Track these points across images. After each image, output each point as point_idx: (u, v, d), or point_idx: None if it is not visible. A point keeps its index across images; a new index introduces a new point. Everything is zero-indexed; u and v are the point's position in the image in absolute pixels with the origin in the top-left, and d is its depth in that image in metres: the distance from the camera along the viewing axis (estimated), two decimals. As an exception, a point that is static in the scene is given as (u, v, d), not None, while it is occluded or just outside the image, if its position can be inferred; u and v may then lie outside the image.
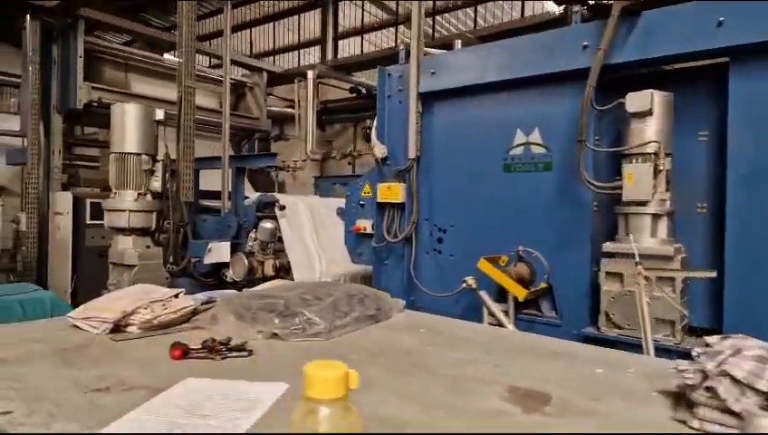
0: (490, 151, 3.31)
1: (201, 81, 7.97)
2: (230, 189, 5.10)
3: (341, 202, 5.99)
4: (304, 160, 9.04)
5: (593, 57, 2.71)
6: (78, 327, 1.72)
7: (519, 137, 3.19)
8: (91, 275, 5.74)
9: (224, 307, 1.83)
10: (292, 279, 4.65)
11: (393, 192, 3.66)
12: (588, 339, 2.78)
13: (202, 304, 1.92)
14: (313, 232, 5.06)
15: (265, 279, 4.57)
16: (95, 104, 6.66)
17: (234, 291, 2.33)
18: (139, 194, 4.45)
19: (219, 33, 12.93)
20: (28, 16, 6.28)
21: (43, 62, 6.35)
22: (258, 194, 5.09)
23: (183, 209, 4.73)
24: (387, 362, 1.47)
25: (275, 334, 1.69)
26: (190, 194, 4.85)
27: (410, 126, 3.56)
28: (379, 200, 3.74)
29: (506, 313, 3.01)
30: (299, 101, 9.39)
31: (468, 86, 3.33)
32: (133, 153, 4.43)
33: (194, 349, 1.49)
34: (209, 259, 4.48)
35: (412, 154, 3.56)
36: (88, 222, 5.93)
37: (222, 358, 1.46)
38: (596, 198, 2.90)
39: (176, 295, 1.87)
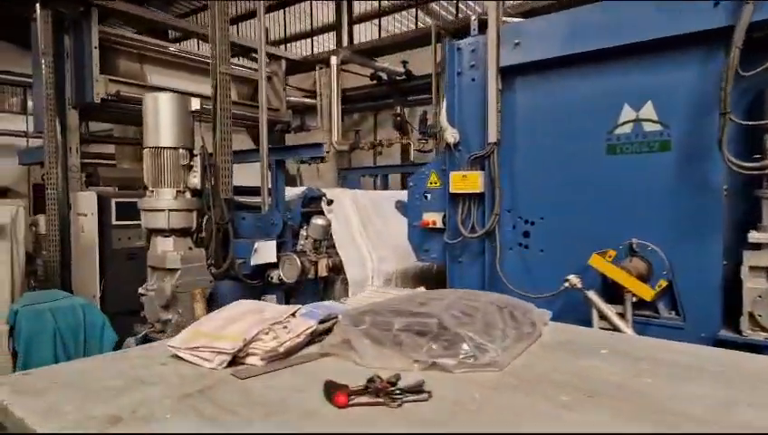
0: (589, 131, 2.93)
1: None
2: (269, 185, 4.74)
3: (391, 195, 5.66)
4: (328, 152, 8.66)
5: (730, 14, 2.34)
6: (181, 358, 1.39)
7: (626, 113, 2.81)
8: (121, 279, 5.44)
9: (352, 328, 1.49)
10: (346, 280, 4.31)
11: (470, 182, 3.30)
12: (724, 343, 2.43)
13: (320, 323, 1.58)
14: (361, 227, 4.72)
15: (317, 279, 4.24)
16: (113, 98, 6.31)
17: (339, 304, 1.99)
18: (177, 191, 4.10)
19: (234, 21, 12.51)
20: (38, 6, 5.91)
21: (56, 55, 5.98)
22: (303, 188, 4.74)
23: (223, 207, 4.38)
24: (617, 405, 1.13)
25: (434, 363, 1.35)
26: (229, 190, 4.51)
27: (490, 106, 3.19)
28: (452, 191, 3.38)
29: (621, 315, 2.66)
30: (320, 90, 9.00)
31: (561, 57, 2.95)
32: (169, 147, 4.08)
33: (355, 391, 1.15)
34: (256, 260, 4.14)
35: (492, 138, 3.19)
36: (114, 223, 5.59)
37: (398, 404, 1.12)
38: (725, 180, 2.54)
39: (293, 314, 1.53)
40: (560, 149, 3.06)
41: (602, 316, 2.68)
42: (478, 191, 3.28)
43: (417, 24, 10.78)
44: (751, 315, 2.38)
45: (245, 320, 1.43)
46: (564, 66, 3.01)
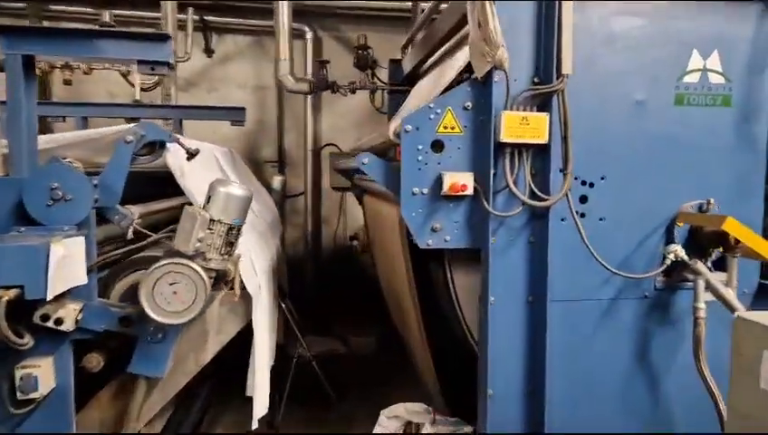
0: (657, 75, 2.57)
1: None
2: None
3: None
4: (171, 65, 4.72)
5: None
6: None
7: (695, 60, 2.60)
8: None
9: None
10: (231, 298, 2.39)
11: (533, 127, 2.33)
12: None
13: None
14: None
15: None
16: None
17: None
18: None
19: None
20: None
21: None
22: (133, 125, 2.23)
23: None
24: None
25: None
26: None
27: (564, 20, 2.33)
28: (503, 139, 2.33)
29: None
30: None
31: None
32: None
33: None
34: (57, 285, 1.69)
35: (567, 67, 2.35)
36: None
37: None
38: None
39: None
40: (625, 92, 2.59)
41: (714, 292, 2.45)
42: (542, 141, 2.40)
43: None
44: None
45: None
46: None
